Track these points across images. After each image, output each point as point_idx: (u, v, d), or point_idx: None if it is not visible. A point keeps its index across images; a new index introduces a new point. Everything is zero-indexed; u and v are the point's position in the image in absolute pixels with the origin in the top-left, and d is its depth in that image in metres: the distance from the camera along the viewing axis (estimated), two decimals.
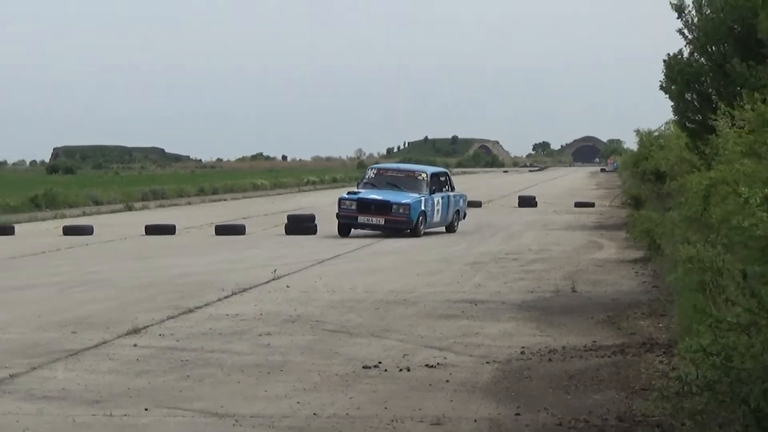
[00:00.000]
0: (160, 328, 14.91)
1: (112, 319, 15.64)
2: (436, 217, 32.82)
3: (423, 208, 31.76)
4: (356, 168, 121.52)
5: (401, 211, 31.24)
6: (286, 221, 33.43)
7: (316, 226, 33.04)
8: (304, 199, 60.01)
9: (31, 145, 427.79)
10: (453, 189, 34.59)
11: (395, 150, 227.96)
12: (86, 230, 33.12)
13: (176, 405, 10.42)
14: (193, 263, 23.99)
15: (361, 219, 31.41)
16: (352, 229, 31.88)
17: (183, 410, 10.22)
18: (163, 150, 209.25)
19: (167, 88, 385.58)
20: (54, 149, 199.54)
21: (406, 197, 31.59)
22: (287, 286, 19.62)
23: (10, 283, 20.19)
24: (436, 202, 32.66)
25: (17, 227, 35.01)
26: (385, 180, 33.19)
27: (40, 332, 14.60)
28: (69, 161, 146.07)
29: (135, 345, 13.63)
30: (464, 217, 35.40)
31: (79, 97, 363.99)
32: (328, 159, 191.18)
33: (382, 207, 31.32)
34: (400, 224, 31.43)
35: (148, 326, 15.02)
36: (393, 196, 31.56)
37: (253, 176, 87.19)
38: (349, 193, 32.98)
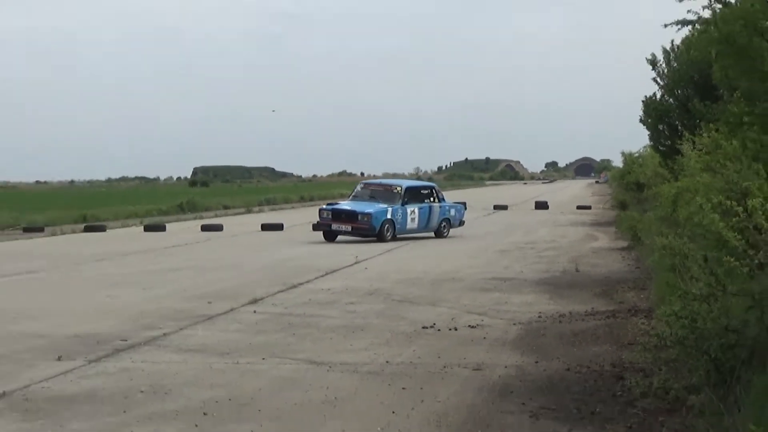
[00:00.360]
0: (273, 299, 14.97)
1: (237, 292, 15.71)
2: (412, 225, 28.32)
3: (389, 217, 27.54)
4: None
5: (365, 219, 27.07)
6: None
7: None
8: None
9: (177, 165, 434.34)
10: (441, 200, 29.49)
11: (443, 168, 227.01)
12: (218, 228, 33.23)
13: (285, 355, 10.45)
14: (296, 252, 24.03)
15: (334, 226, 27.40)
16: (338, 235, 27.71)
17: (290, 359, 10.24)
18: (273, 168, 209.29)
19: (277, 121, 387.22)
20: (194, 168, 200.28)
21: (372, 208, 27.43)
22: (365, 268, 19.64)
23: (163, 267, 20.36)
24: (410, 212, 28.12)
25: (168, 226, 35.28)
26: (368, 193, 28.80)
27: (185, 302, 14.71)
28: (204, 177, 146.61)
29: (254, 312, 13.69)
30: (461, 225, 30.45)
31: (212, 129, 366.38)
32: (395, 175, 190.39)
33: (350, 216, 27.28)
34: (364, 231, 27.23)
35: (264, 297, 15.10)
36: (362, 207, 27.51)
37: (340, 188, 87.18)
38: (327, 204, 29.49)
